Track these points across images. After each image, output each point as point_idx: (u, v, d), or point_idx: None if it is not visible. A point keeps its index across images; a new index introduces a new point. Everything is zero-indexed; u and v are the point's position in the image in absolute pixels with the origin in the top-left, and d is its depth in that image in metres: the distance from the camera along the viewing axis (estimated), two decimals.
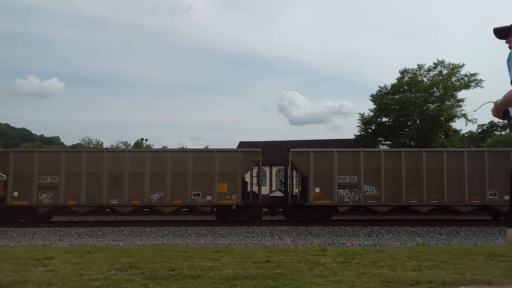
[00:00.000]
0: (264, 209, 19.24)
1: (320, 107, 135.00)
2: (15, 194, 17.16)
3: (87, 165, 17.32)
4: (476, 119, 34.14)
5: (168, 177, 17.32)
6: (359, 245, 12.68)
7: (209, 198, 17.32)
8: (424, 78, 34.09)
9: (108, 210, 19.79)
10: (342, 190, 17.28)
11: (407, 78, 34.33)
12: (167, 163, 17.37)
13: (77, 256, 8.56)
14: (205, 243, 13.46)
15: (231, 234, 15.65)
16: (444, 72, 33.34)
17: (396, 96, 32.61)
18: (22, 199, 17.19)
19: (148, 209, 19.42)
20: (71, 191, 17.21)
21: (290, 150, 17.97)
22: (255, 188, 18.62)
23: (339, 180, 17.25)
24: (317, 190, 17.25)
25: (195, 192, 17.33)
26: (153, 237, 15.28)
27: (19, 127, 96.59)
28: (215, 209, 18.22)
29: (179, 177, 17.36)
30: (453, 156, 17.58)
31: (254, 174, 18.51)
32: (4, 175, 17.21)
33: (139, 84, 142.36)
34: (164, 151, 17.87)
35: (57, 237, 15.12)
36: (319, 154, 17.66)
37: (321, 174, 17.35)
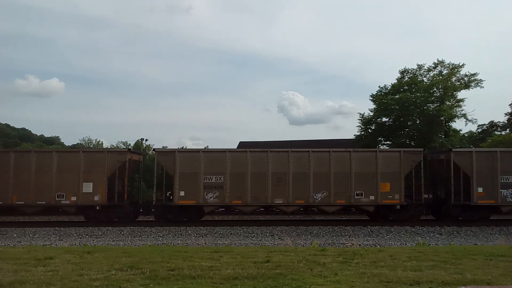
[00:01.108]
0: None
1: (320, 107, 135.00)
2: (182, 193, 17.27)
3: (251, 165, 17.34)
4: (476, 119, 34.12)
5: (331, 177, 17.34)
6: (359, 245, 12.68)
7: (372, 197, 17.35)
8: (424, 78, 34.03)
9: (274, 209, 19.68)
10: (505, 190, 17.30)
11: (407, 78, 34.26)
12: (330, 163, 17.39)
13: (77, 256, 8.57)
14: (205, 243, 13.45)
15: (231, 234, 15.65)
16: (444, 72, 33.30)
17: (396, 96, 32.53)
18: (189, 198, 17.29)
19: (315, 209, 19.20)
20: (236, 190, 17.32)
21: (453, 150, 18.02)
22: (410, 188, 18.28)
23: (502, 180, 17.28)
24: (480, 190, 17.23)
25: (358, 192, 17.36)
26: (153, 237, 15.27)
27: (19, 127, 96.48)
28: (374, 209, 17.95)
29: (342, 177, 17.39)
30: None
31: (414, 174, 18.14)
32: None
33: (139, 84, 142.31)
34: (326, 151, 17.79)
35: (57, 237, 15.11)
36: (482, 154, 17.74)
37: (483, 174, 17.32)
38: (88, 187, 17.20)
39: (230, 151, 18.10)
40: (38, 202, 17.16)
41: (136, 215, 19.29)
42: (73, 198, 17.16)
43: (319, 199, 17.39)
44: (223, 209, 20.29)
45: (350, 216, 20.73)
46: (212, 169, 17.37)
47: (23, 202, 17.11)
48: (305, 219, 19.63)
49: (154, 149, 18.20)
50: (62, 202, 17.18)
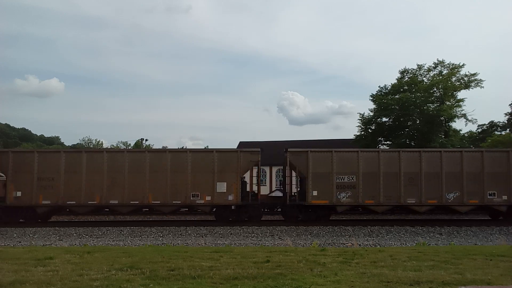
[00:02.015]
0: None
1: (319, 107, 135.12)
2: (315, 193, 17.29)
3: (383, 164, 17.37)
4: (476, 119, 34.16)
5: (463, 176, 17.29)
6: (359, 245, 12.68)
7: (504, 197, 17.33)
8: (424, 78, 34.04)
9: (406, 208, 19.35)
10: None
11: (407, 78, 34.29)
12: (463, 163, 17.35)
13: (77, 256, 8.57)
14: (205, 243, 13.44)
15: (231, 234, 15.64)
16: (444, 72, 33.31)
17: (396, 96, 32.55)
18: (322, 198, 17.33)
19: (447, 209, 19.00)
20: (369, 190, 17.32)
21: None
22: None
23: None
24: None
25: (490, 192, 17.33)
26: (153, 237, 15.27)
27: (19, 127, 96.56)
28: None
29: (474, 176, 17.33)
30: None
31: None
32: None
33: (139, 84, 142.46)
34: (458, 151, 17.87)
35: (57, 237, 15.11)
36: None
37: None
38: (222, 187, 17.34)
39: (362, 151, 18.30)
40: (173, 202, 17.34)
41: (261, 215, 19.19)
42: (208, 198, 17.32)
43: (451, 199, 17.37)
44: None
45: (350, 216, 20.73)
46: (344, 168, 17.39)
47: (159, 202, 17.27)
48: (305, 219, 19.61)
49: (286, 150, 18.17)
50: (197, 201, 17.37)
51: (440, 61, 33.54)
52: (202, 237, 15.11)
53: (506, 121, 37.62)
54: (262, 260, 7.89)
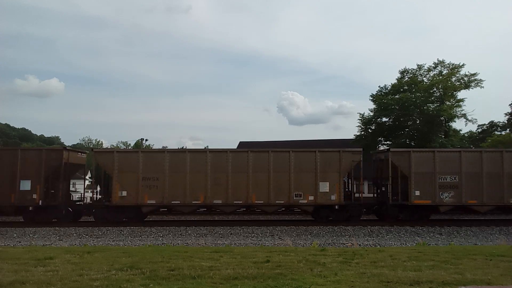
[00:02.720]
0: None
1: (319, 107, 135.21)
2: (417, 193, 17.32)
3: (486, 165, 17.43)
4: (476, 119, 34.14)
5: None
6: (359, 245, 12.67)
7: None
8: (424, 78, 34.03)
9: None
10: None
11: (407, 78, 34.28)
12: None
13: (77, 256, 8.56)
14: (205, 243, 13.44)
15: (231, 234, 15.63)
16: (444, 72, 33.30)
17: (396, 96, 32.54)
18: (424, 198, 17.35)
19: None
20: (472, 190, 17.33)
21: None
22: None
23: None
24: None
25: None
26: (153, 237, 15.26)
27: (19, 127, 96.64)
28: None
29: None
30: None
31: None
32: None
33: (139, 84, 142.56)
34: None
35: (57, 237, 15.10)
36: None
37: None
38: (324, 187, 17.38)
39: (465, 150, 18.38)
40: (277, 202, 17.38)
41: (361, 214, 19.06)
42: (310, 198, 17.33)
43: None
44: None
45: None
46: (446, 168, 17.39)
47: (262, 202, 17.34)
48: (304, 219, 19.61)
49: (388, 149, 18.29)
50: (300, 201, 17.39)
51: (440, 61, 33.54)
52: (202, 237, 15.10)
53: (506, 121, 37.63)
54: (262, 260, 7.89)
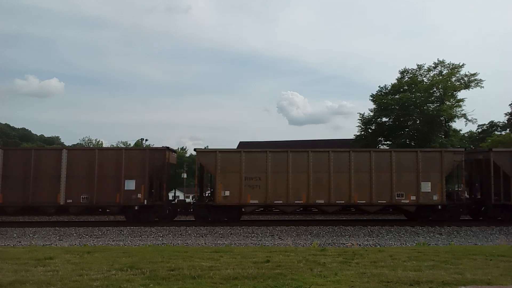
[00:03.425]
0: None
1: (319, 107, 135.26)
2: None
3: None
4: (476, 119, 34.12)
5: None
6: (359, 245, 12.67)
7: None
8: (424, 78, 34.01)
9: None
10: None
11: (407, 78, 34.25)
12: None
13: (77, 256, 8.56)
14: (205, 243, 13.44)
15: (231, 234, 15.63)
16: (444, 72, 33.28)
17: (396, 96, 32.51)
18: None
19: None
20: None
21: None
22: None
23: None
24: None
25: None
26: (153, 237, 15.26)
27: (19, 127, 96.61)
28: None
29: None
30: None
31: None
32: None
33: (139, 84, 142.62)
34: None
35: (57, 237, 15.11)
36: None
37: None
38: (426, 187, 17.36)
39: None
40: (379, 201, 17.37)
41: (460, 214, 18.92)
42: (412, 197, 17.34)
43: None
44: None
45: (350, 216, 20.73)
46: None
47: (364, 201, 17.34)
48: (305, 219, 19.63)
49: (490, 149, 18.22)
50: (402, 201, 17.37)
51: (440, 61, 33.51)
52: (202, 237, 15.10)
53: (506, 121, 37.65)
54: (262, 260, 7.89)
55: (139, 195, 17.40)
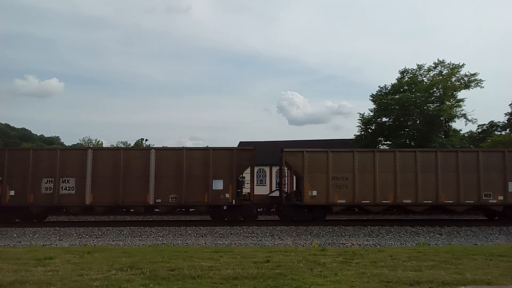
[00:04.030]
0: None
1: (319, 107, 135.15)
2: None
3: None
4: (476, 119, 34.15)
5: None
6: (359, 245, 12.67)
7: None
8: (424, 78, 34.04)
9: None
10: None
11: (407, 78, 34.28)
12: None
13: (77, 256, 8.56)
14: (205, 243, 13.44)
15: (231, 234, 15.63)
16: (444, 72, 33.31)
17: (396, 96, 32.55)
18: None
19: None
20: None
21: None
22: None
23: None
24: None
25: None
26: (153, 237, 15.26)
27: (19, 127, 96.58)
28: None
29: None
30: None
31: None
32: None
33: (139, 84, 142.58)
34: None
35: (57, 237, 15.11)
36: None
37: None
38: None
39: None
40: (466, 201, 17.30)
41: None
42: (500, 197, 17.30)
43: None
44: None
45: (350, 216, 20.73)
46: None
47: (451, 201, 17.31)
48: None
49: None
50: (490, 201, 17.35)
51: (440, 61, 33.55)
52: (202, 237, 15.10)
53: (506, 121, 37.63)
54: (262, 260, 7.89)
55: (227, 195, 17.48)
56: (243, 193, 19.11)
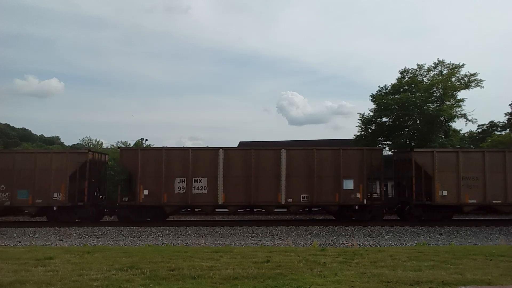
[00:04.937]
0: None
1: (319, 107, 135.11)
2: None
3: None
4: (476, 119, 34.10)
5: None
6: (359, 245, 12.68)
7: None
8: (424, 78, 34.00)
9: None
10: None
11: (407, 78, 34.23)
12: None
13: (77, 256, 8.57)
14: (205, 243, 13.44)
15: (231, 234, 15.64)
16: (444, 72, 33.28)
17: (396, 96, 32.51)
18: None
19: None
20: None
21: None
22: None
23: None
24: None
25: None
26: (153, 237, 15.26)
27: (19, 127, 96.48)
28: None
29: None
30: None
31: None
32: None
33: (139, 84, 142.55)
34: None
35: (57, 237, 15.11)
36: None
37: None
38: None
39: None
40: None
41: None
42: None
43: None
44: None
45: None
46: None
47: (499, 202, 17.44)
48: (305, 219, 19.62)
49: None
50: None
51: (440, 61, 33.49)
52: (202, 237, 15.11)
53: (506, 121, 37.59)
54: (262, 260, 7.89)
55: (357, 195, 17.52)
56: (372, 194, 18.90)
